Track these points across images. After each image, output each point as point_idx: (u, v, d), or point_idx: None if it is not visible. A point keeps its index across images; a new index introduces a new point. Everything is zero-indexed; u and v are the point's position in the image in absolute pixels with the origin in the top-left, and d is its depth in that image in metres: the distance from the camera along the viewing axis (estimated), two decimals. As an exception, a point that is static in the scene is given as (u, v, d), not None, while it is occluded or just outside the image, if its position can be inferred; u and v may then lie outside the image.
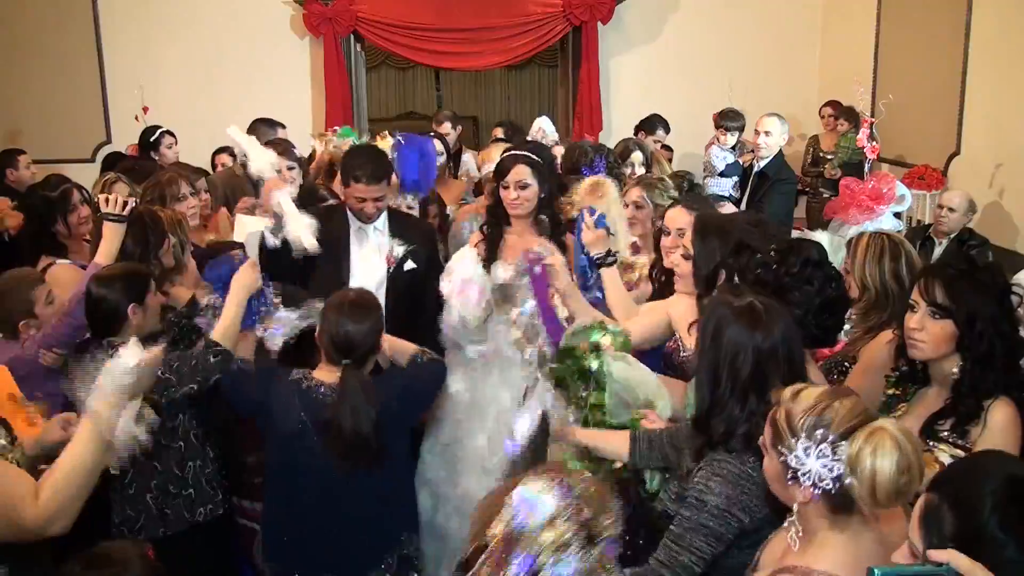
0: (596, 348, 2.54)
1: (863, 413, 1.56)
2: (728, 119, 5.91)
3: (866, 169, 5.90)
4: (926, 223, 5.58)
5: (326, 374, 2.60)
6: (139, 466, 2.65)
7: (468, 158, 6.08)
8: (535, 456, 2.68)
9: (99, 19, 7.50)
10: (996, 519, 1.28)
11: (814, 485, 1.54)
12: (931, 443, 2.10)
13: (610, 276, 2.97)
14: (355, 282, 3.30)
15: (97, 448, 1.90)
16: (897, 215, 5.26)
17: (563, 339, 2.58)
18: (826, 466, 1.52)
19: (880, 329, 2.62)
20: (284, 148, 4.25)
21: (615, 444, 2.37)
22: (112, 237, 2.99)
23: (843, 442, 1.51)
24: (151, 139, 5.85)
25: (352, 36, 7.63)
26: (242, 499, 3.15)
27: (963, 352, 2.14)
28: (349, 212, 3.38)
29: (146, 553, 1.76)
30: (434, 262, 3.44)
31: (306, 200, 4.01)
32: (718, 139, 5.94)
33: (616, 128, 7.41)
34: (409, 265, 3.34)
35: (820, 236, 3.95)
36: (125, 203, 3.01)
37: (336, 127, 4.92)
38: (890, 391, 2.34)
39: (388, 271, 3.33)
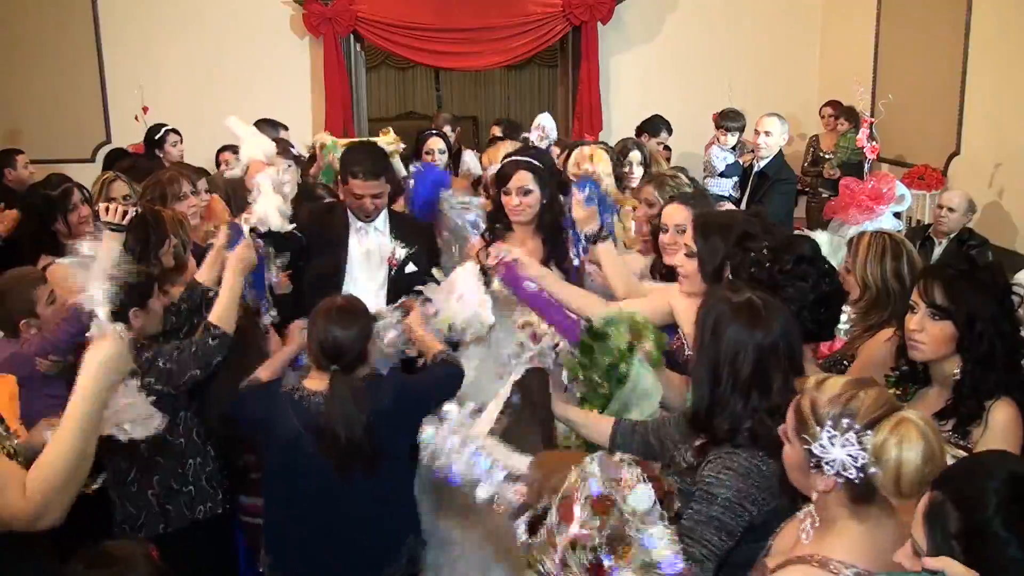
0: (631, 348, 2.51)
1: (888, 403, 1.57)
2: (729, 119, 5.91)
3: (866, 169, 5.91)
4: (926, 223, 5.58)
5: (317, 382, 2.58)
6: (142, 462, 2.67)
7: (469, 156, 6.09)
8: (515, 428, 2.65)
9: (99, 19, 7.50)
10: (1000, 517, 1.29)
11: (837, 474, 1.55)
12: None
13: (606, 252, 2.95)
14: (354, 282, 3.29)
15: (82, 437, 1.86)
16: (897, 215, 5.27)
17: (596, 322, 2.51)
18: (851, 455, 1.53)
19: (880, 328, 2.62)
20: (282, 148, 4.25)
21: (599, 429, 2.38)
22: (111, 246, 2.98)
23: (868, 432, 1.52)
24: (156, 137, 5.86)
25: (352, 36, 7.64)
26: (247, 497, 3.15)
27: (963, 353, 2.14)
28: (349, 211, 3.37)
29: (150, 553, 1.76)
30: (435, 264, 3.42)
31: (303, 198, 4.02)
32: (718, 139, 5.94)
33: (616, 128, 7.41)
34: (410, 268, 3.33)
35: (820, 236, 3.96)
36: (125, 212, 3.01)
37: (324, 143, 4.90)
38: (890, 391, 2.33)
39: (390, 273, 3.32)
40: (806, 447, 1.58)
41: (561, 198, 3.40)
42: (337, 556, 2.61)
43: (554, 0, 7.54)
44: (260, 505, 2.97)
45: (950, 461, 2.02)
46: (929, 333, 2.17)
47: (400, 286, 3.29)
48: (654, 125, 6.21)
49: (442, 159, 5.08)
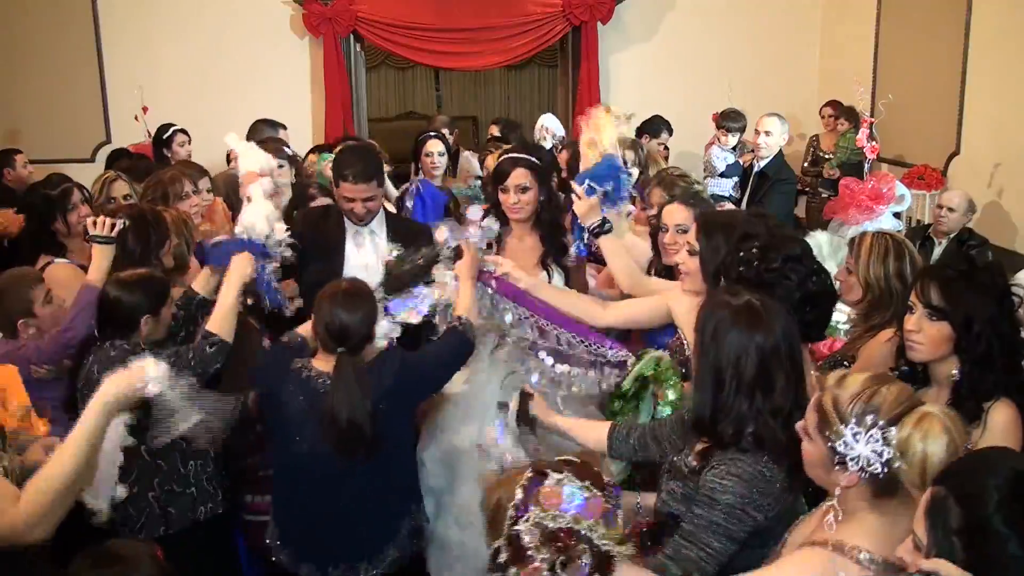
0: (644, 386, 2.66)
1: (910, 398, 1.60)
2: (729, 120, 5.91)
3: (866, 169, 5.90)
4: (926, 223, 5.58)
5: (323, 363, 2.62)
6: (143, 465, 2.67)
7: (468, 156, 6.09)
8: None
9: (99, 19, 7.49)
10: (1001, 514, 1.29)
11: (862, 470, 1.56)
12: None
13: (609, 244, 2.95)
14: None
15: (81, 460, 1.90)
16: (897, 215, 5.27)
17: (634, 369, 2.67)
18: (875, 451, 1.55)
19: (882, 328, 2.62)
20: (274, 147, 4.25)
21: (594, 435, 2.40)
22: (101, 258, 2.99)
23: (892, 427, 1.54)
24: (164, 136, 5.86)
25: (352, 36, 7.63)
26: (249, 495, 3.14)
27: (961, 354, 2.14)
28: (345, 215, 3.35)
29: (155, 553, 1.76)
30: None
31: (298, 201, 4.02)
32: (719, 139, 5.94)
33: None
34: None
35: (820, 236, 3.96)
36: (113, 225, 3.01)
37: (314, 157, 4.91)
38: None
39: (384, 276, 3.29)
40: (830, 444, 1.60)
41: (562, 196, 3.40)
42: (340, 532, 2.64)
43: (554, 0, 7.53)
44: (266, 502, 3.01)
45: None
46: (926, 334, 2.17)
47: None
48: (654, 126, 6.21)
49: (441, 161, 5.08)
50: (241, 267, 2.82)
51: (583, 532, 1.40)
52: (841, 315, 3.01)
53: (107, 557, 1.70)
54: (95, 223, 3.01)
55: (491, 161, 4.78)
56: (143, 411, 2.31)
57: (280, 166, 4.17)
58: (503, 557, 1.43)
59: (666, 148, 6.33)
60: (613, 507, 1.46)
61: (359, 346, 2.60)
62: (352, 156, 3.33)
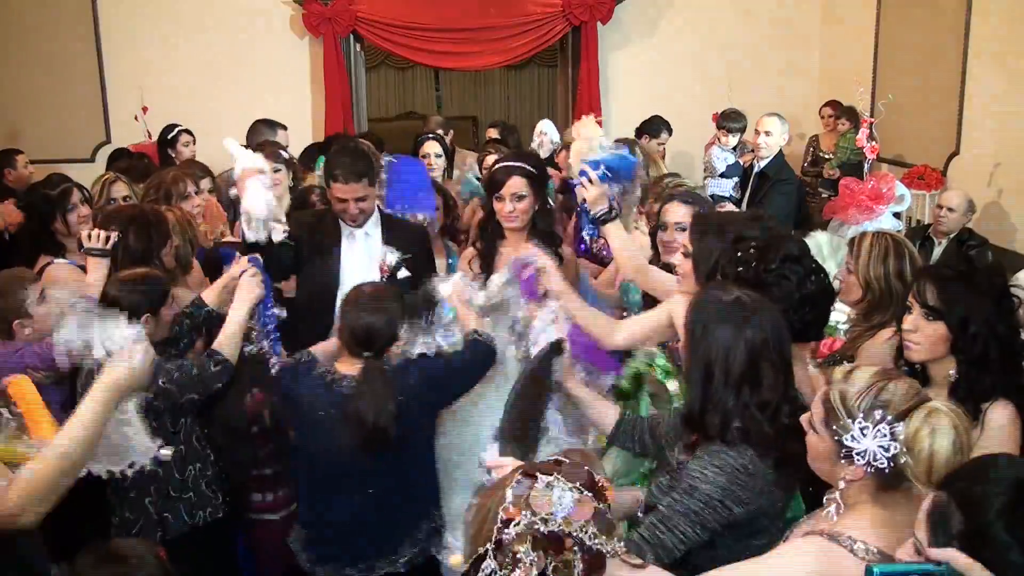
0: (639, 386, 2.69)
1: (917, 394, 1.61)
2: (730, 120, 5.90)
3: (865, 169, 5.90)
4: (925, 223, 5.59)
5: (347, 366, 2.63)
6: (140, 470, 2.64)
7: (465, 156, 6.06)
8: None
9: (99, 19, 7.49)
10: (1002, 521, 1.29)
11: (868, 464, 1.57)
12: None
13: (615, 231, 2.93)
14: (345, 290, 3.26)
15: (77, 447, 1.89)
16: (896, 215, 5.27)
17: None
18: (882, 446, 1.56)
19: (881, 328, 2.62)
20: (272, 150, 4.24)
21: (601, 414, 2.42)
22: (97, 271, 2.98)
23: (899, 423, 1.55)
24: (168, 136, 5.86)
25: (352, 36, 7.62)
26: (253, 493, 3.14)
27: (957, 355, 2.14)
28: (339, 218, 3.31)
29: (158, 553, 1.76)
30: (429, 267, 3.39)
31: (296, 205, 4.01)
32: (719, 140, 5.93)
33: (615, 128, 7.39)
34: (403, 274, 3.24)
35: (820, 236, 3.96)
36: (108, 237, 3.00)
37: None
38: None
39: (381, 280, 3.22)
40: (837, 439, 1.61)
41: (559, 196, 3.38)
42: (361, 532, 2.65)
43: (554, 0, 7.53)
44: (267, 501, 3.08)
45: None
46: (923, 333, 2.18)
47: None
48: (654, 126, 6.20)
49: (439, 162, 5.06)
50: (250, 287, 2.79)
51: (574, 534, 1.40)
52: (841, 315, 3.01)
53: (110, 556, 1.70)
54: (90, 235, 2.99)
55: (490, 161, 4.79)
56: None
57: (276, 170, 4.15)
58: (490, 564, 1.42)
59: (662, 147, 6.33)
60: (605, 506, 1.45)
61: (384, 349, 2.61)
62: (342, 156, 3.30)
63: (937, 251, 5.09)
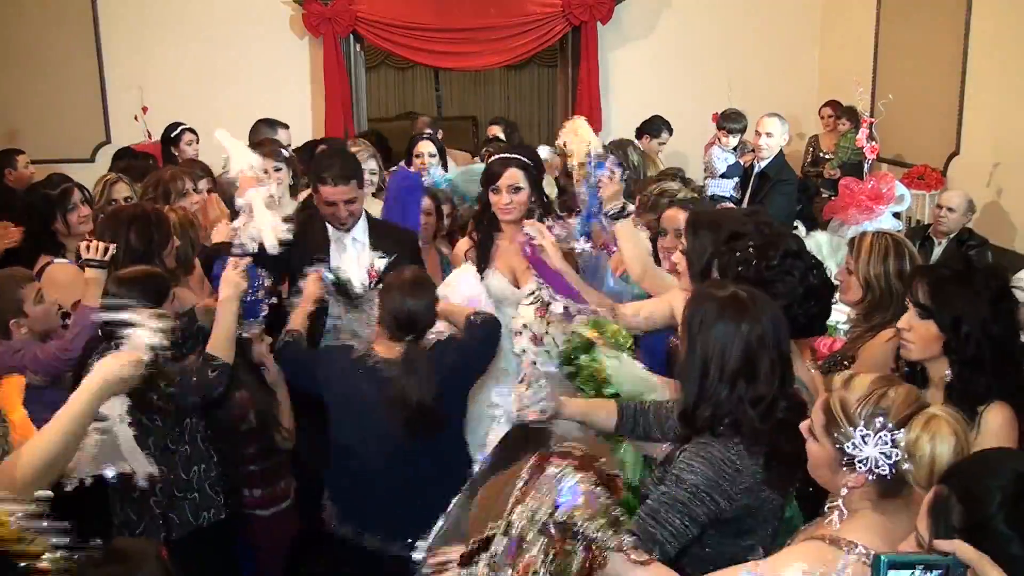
0: (590, 346, 2.60)
1: (918, 400, 1.61)
2: (730, 120, 5.90)
3: (865, 169, 5.91)
4: (925, 223, 5.59)
5: (385, 349, 2.70)
6: None
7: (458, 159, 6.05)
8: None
9: (98, 19, 7.49)
10: (1002, 515, 1.30)
11: (870, 471, 1.58)
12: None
13: (626, 230, 2.96)
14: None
15: (63, 441, 1.88)
16: (896, 215, 5.28)
17: (563, 348, 2.69)
18: (884, 453, 1.56)
19: (882, 328, 2.62)
20: (272, 149, 4.23)
21: (603, 415, 2.42)
22: (95, 283, 2.96)
23: (900, 429, 1.56)
24: (171, 135, 5.85)
25: (352, 36, 7.63)
26: (247, 489, 3.13)
27: (950, 355, 2.14)
28: (327, 222, 3.28)
29: (160, 552, 1.76)
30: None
31: (302, 208, 3.99)
32: (719, 140, 5.94)
33: (615, 128, 7.41)
34: None
35: (820, 236, 3.96)
36: (106, 249, 2.99)
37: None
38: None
39: (370, 286, 3.19)
40: (838, 446, 1.61)
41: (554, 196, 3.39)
42: (398, 510, 2.68)
43: (554, 0, 7.54)
44: (255, 497, 3.10)
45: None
46: (916, 332, 2.19)
47: None
48: (654, 126, 6.21)
49: (432, 162, 5.06)
50: (231, 282, 2.75)
51: (579, 525, 1.40)
52: (841, 315, 3.01)
53: (112, 555, 1.70)
54: (88, 247, 2.99)
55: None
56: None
57: (277, 168, 4.15)
58: (499, 547, 1.43)
59: (662, 147, 6.32)
60: (613, 499, 1.46)
61: (423, 332, 2.71)
62: (330, 158, 3.29)
63: (937, 251, 5.09)
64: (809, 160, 7.15)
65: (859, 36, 7.29)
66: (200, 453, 2.77)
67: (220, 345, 2.68)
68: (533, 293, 3.03)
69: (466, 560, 1.48)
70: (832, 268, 3.31)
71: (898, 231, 4.38)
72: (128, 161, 5.29)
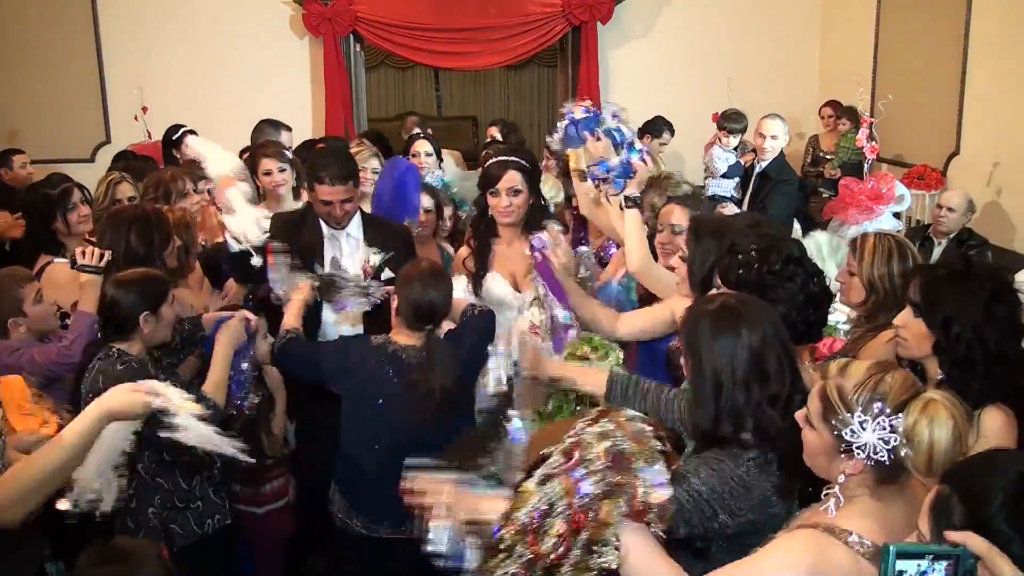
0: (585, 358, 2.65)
1: (914, 385, 1.61)
2: (730, 120, 5.90)
3: (865, 169, 5.91)
4: (925, 223, 5.59)
5: (405, 338, 2.77)
6: (140, 483, 2.60)
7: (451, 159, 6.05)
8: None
9: (98, 19, 7.49)
10: (1004, 514, 1.30)
11: (868, 457, 1.57)
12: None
13: (634, 219, 2.96)
14: None
15: (66, 458, 1.92)
16: (896, 215, 5.27)
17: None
18: (882, 438, 1.56)
19: (884, 329, 2.61)
20: (275, 150, 4.23)
21: (592, 381, 2.42)
22: (91, 289, 2.95)
23: (898, 415, 1.55)
24: (173, 137, 5.85)
25: (352, 36, 7.63)
26: (234, 484, 3.12)
27: (940, 355, 2.13)
28: (321, 219, 3.27)
29: (160, 552, 1.76)
30: None
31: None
32: (719, 140, 5.93)
33: (616, 128, 7.40)
34: (387, 274, 3.19)
35: (820, 236, 3.96)
36: (102, 255, 2.98)
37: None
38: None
39: (365, 281, 3.18)
40: (836, 433, 1.61)
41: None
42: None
43: (554, 0, 7.54)
44: (246, 493, 3.15)
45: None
46: (910, 330, 2.19)
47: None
48: (656, 126, 6.20)
49: (429, 161, 5.06)
50: (235, 330, 2.83)
51: (635, 464, 1.57)
52: (841, 315, 3.01)
53: (113, 554, 1.70)
54: (83, 253, 2.98)
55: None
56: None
57: (282, 169, 4.16)
58: (556, 461, 1.59)
59: (663, 147, 6.32)
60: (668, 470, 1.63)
61: (440, 322, 2.80)
62: (327, 157, 3.26)
63: (937, 251, 5.09)
64: (809, 160, 7.14)
65: (859, 36, 7.29)
66: (201, 460, 2.73)
67: (214, 390, 2.71)
68: (536, 299, 3.04)
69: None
70: (832, 268, 3.31)
71: (898, 231, 4.39)
72: (127, 162, 5.28)
